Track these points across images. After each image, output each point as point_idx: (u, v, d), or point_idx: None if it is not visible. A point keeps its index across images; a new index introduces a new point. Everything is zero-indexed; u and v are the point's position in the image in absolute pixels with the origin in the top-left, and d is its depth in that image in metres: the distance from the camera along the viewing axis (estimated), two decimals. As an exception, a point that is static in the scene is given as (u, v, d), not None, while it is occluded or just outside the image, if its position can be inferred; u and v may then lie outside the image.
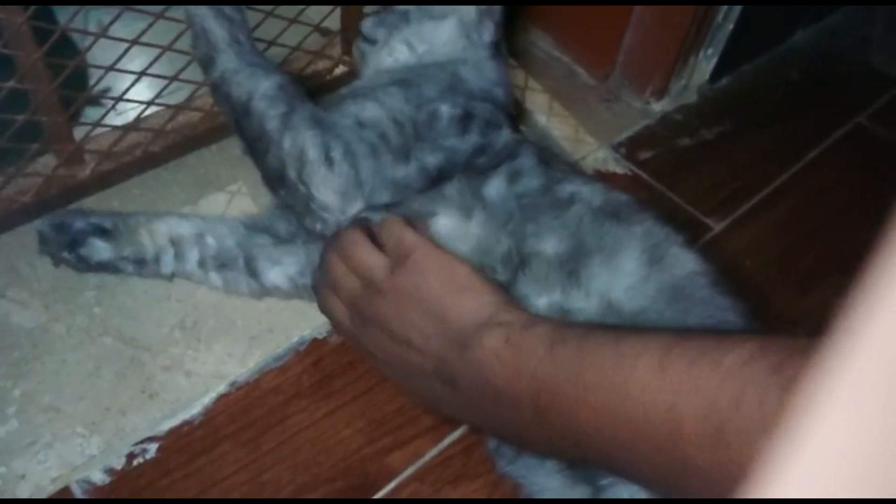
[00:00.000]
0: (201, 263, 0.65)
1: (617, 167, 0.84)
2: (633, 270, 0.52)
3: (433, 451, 0.60)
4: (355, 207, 0.57)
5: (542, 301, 0.52)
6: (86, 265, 0.64)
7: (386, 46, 0.71)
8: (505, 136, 0.63)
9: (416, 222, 0.53)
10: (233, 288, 0.65)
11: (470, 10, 0.70)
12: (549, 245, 0.53)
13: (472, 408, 0.49)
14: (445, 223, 0.54)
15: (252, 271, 0.64)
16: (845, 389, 0.13)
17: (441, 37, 0.70)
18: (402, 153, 0.58)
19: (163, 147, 0.73)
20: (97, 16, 0.80)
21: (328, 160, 0.57)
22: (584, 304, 0.51)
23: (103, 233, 0.63)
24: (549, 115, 0.89)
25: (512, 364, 0.44)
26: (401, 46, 0.71)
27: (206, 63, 0.62)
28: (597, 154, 0.85)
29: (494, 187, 0.56)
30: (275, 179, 0.59)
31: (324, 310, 0.58)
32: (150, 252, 0.64)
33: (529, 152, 0.60)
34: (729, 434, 0.35)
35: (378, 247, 0.53)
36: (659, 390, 0.37)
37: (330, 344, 0.65)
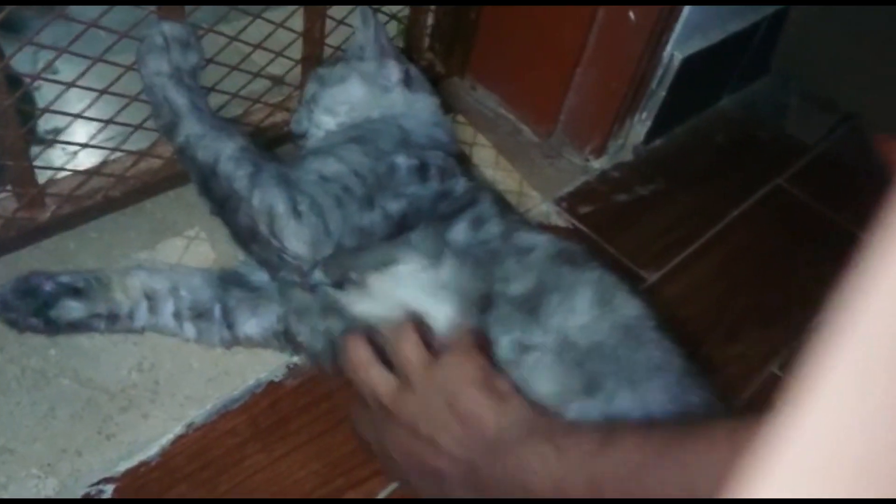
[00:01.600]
0: (176, 315, 0.65)
1: (559, 220, 0.90)
2: (586, 310, 0.56)
3: (386, 491, 0.62)
4: (325, 254, 0.60)
5: (505, 339, 0.56)
6: (54, 328, 0.63)
7: (312, 126, 0.75)
8: (462, 183, 0.67)
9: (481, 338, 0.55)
10: (205, 338, 0.66)
11: (367, 63, 0.75)
12: (515, 286, 0.57)
13: None
14: (410, 269, 0.57)
15: (229, 323, 0.65)
16: (831, 389, 0.14)
17: (354, 95, 0.74)
18: (366, 201, 0.62)
19: (123, 192, 0.75)
20: (46, 58, 0.82)
21: (296, 213, 0.60)
22: (543, 339, 0.55)
23: (76, 292, 0.63)
24: (495, 169, 0.94)
25: (561, 467, 0.44)
26: (325, 118, 0.74)
27: (170, 129, 0.64)
28: (540, 207, 0.91)
29: (459, 233, 0.61)
30: (247, 236, 0.62)
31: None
32: (124, 307, 0.64)
33: (488, 199, 0.65)
34: None
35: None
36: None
37: (286, 386, 0.67)
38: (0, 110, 0.60)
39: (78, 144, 0.68)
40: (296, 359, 0.68)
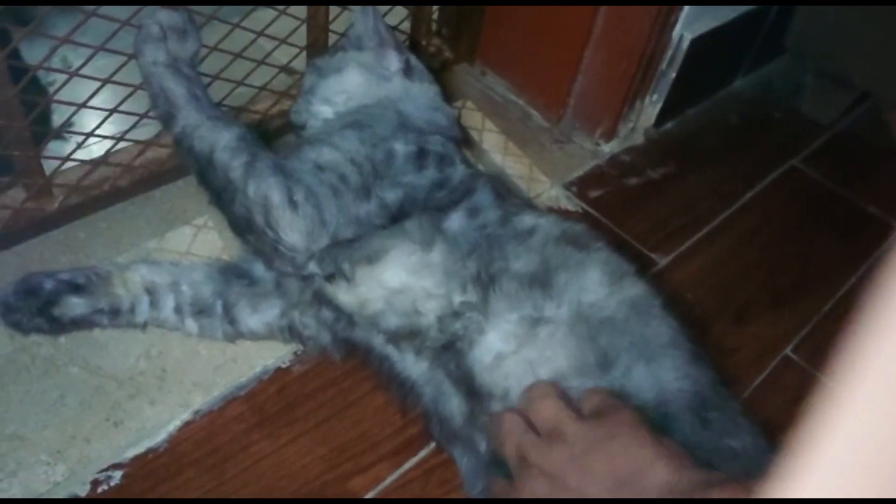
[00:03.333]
0: (177, 310, 0.65)
1: (569, 205, 0.89)
2: (596, 288, 0.56)
3: (393, 476, 0.62)
4: (321, 245, 0.60)
5: (513, 317, 0.55)
6: (58, 326, 0.63)
7: (311, 117, 0.74)
8: (461, 171, 0.66)
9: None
10: (208, 334, 0.66)
11: (365, 53, 0.74)
12: (518, 265, 0.57)
13: None
14: (402, 256, 0.57)
15: (230, 318, 0.65)
16: (853, 405, 0.13)
17: (351, 84, 0.73)
18: (363, 191, 0.61)
19: (130, 182, 0.75)
20: (61, 52, 0.82)
21: (292, 203, 0.59)
22: (556, 312, 0.55)
23: (77, 288, 0.63)
24: (504, 155, 0.93)
25: None
26: (323, 107, 0.73)
27: (167, 119, 0.63)
28: (550, 192, 0.90)
29: (455, 221, 0.60)
30: (243, 227, 0.61)
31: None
32: (125, 302, 0.64)
33: (486, 188, 0.64)
34: None
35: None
36: None
37: (293, 373, 0.67)
38: (4, 101, 0.60)
39: (82, 134, 0.68)
40: (297, 343, 0.68)
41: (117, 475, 0.58)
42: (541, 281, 0.57)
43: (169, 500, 0.58)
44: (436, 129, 0.69)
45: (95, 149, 0.75)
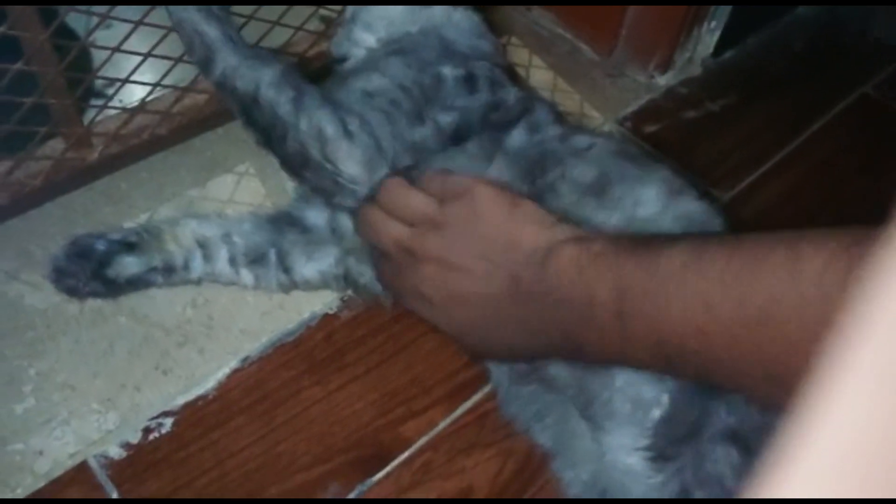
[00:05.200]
0: (231, 261, 0.64)
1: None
2: (653, 202, 0.54)
3: (446, 421, 0.60)
4: (381, 174, 0.58)
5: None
6: (114, 288, 0.62)
7: (353, 45, 0.71)
8: (514, 92, 0.64)
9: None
10: (263, 284, 0.64)
11: None
12: (575, 173, 0.55)
13: (540, 327, 0.49)
14: (466, 170, 0.56)
15: (285, 267, 0.64)
16: (849, 390, 0.13)
17: (393, 10, 0.70)
18: (416, 115, 0.59)
19: (169, 130, 0.74)
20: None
21: (347, 133, 0.57)
22: (606, 219, 0.53)
23: (129, 247, 0.62)
24: (553, 92, 0.89)
25: (593, 271, 0.45)
26: (365, 35, 0.70)
27: (206, 64, 0.61)
28: (603, 129, 0.85)
29: (516, 138, 0.58)
30: (298, 163, 0.59)
31: (376, 251, 0.58)
32: (178, 258, 0.63)
33: (544, 107, 0.63)
34: (787, 325, 0.36)
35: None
36: (756, 279, 0.38)
37: (341, 318, 0.65)
38: (36, 46, 0.59)
39: (117, 80, 0.66)
40: (350, 291, 0.66)
41: (168, 422, 0.58)
42: (596, 190, 0.54)
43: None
44: (481, 56, 0.66)
45: (130, 97, 0.73)
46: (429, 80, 0.61)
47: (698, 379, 0.46)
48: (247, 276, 0.65)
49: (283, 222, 0.66)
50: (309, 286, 0.66)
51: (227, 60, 0.60)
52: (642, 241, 0.45)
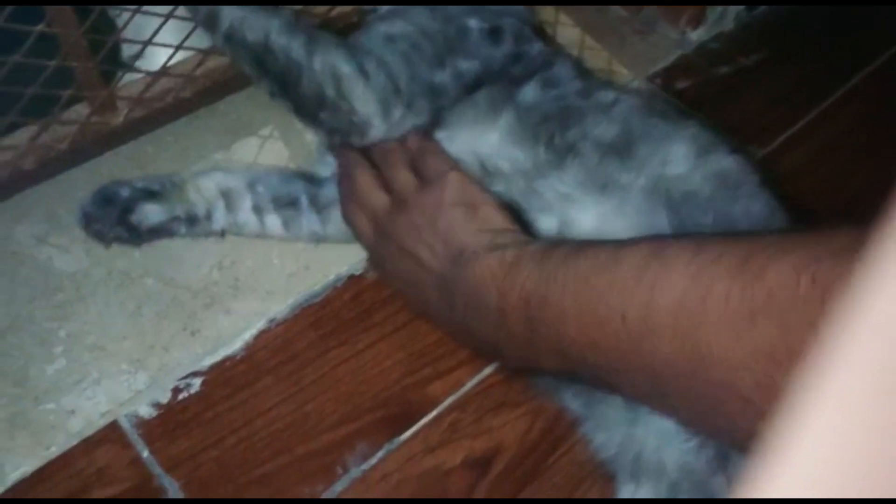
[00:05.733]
0: (256, 209, 0.64)
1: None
2: (681, 160, 0.52)
3: (474, 381, 0.59)
4: (397, 116, 0.57)
5: (591, 196, 0.52)
6: (137, 235, 0.63)
7: None
8: (538, 47, 0.63)
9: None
10: (292, 230, 0.64)
11: None
12: (597, 131, 0.53)
13: (468, 326, 0.51)
14: (466, 125, 0.55)
15: (318, 209, 0.64)
16: (835, 389, 0.13)
17: None
18: (436, 60, 0.58)
19: (193, 93, 0.73)
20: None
21: (363, 73, 0.57)
22: (632, 180, 0.53)
23: (152, 195, 0.62)
24: (580, 49, 0.86)
25: (505, 280, 0.46)
26: None
27: (211, 22, 0.60)
28: (632, 86, 0.83)
29: (528, 92, 0.57)
30: (313, 105, 0.58)
31: (348, 221, 0.60)
32: (201, 208, 0.63)
33: (567, 63, 0.61)
34: (698, 328, 0.35)
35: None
36: (635, 291, 0.39)
37: (368, 279, 0.65)
38: (56, 9, 0.58)
39: (139, 42, 0.66)
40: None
41: (196, 382, 0.58)
42: (620, 149, 0.53)
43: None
44: (509, 12, 0.64)
45: (154, 61, 0.73)
46: (453, 31, 0.60)
47: (602, 388, 0.48)
48: (273, 222, 0.64)
49: (309, 180, 0.66)
50: (338, 238, 0.65)
51: (233, 13, 0.59)
52: (557, 251, 0.45)
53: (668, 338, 0.37)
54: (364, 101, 0.57)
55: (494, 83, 0.58)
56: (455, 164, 0.55)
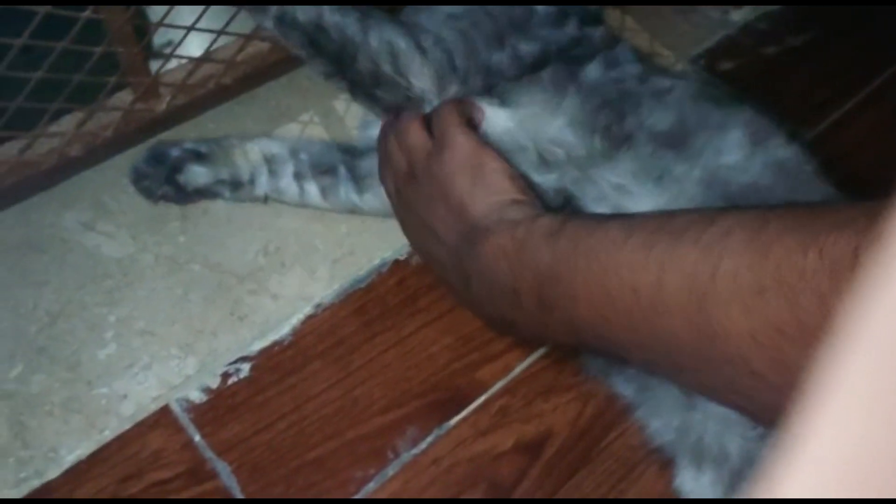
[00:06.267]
0: (297, 175, 0.65)
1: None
2: (737, 149, 0.51)
3: (523, 365, 0.59)
4: (452, 92, 0.57)
5: (646, 187, 0.51)
6: (183, 194, 0.64)
7: None
8: (601, 30, 0.62)
9: (474, 108, 0.55)
10: (330, 198, 0.65)
11: None
12: (652, 120, 0.52)
13: (483, 302, 0.51)
14: (533, 104, 0.54)
15: (355, 178, 0.64)
16: (847, 386, 0.13)
17: None
18: (496, 38, 0.58)
19: (234, 79, 0.73)
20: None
21: (420, 48, 0.57)
22: (688, 172, 0.51)
23: (199, 157, 0.64)
24: (621, 31, 0.85)
25: (516, 259, 0.46)
26: None
27: (257, 7, 0.60)
28: (675, 67, 0.82)
29: (592, 71, 0.57)
30: (370, 83, 0.58)
31: (382, 182, 0.60)
32: (245, 173, 0.64)
33: (627, 46, 0.61)
34: (708, 304, 0.35)
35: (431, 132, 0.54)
36: (645, 268, 0.38)
37: (412, 265, 0.64)
38: (104, -8, 0.59)
39: (182, 27, 0.66)
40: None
41: (246, 367, 0.58)
42: (674, 141, 0.52)
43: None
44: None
45: (195, 48, 0.73)
46: (519, 12, 0.59)
47: (618, 362, 0.48)
48: (312, 189, 0.65)
49: (349, 150, 0.67)
50: (375, 210, 0.65)
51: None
52: (567, 227, 0.44)
53: (680, 314, 0.37)
54: (421, 77, 0.57)
55: (558, 62, 0.57)
56: (462, 121, 0.54)
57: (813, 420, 0.13)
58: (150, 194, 0.65)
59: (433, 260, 0.56)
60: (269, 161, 0.65)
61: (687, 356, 0.38)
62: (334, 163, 0.65)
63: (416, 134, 0.55)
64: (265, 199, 0.65)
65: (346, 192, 0.64)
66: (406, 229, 0.59)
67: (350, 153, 0.66)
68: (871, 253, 0.30)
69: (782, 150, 0.53)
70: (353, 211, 0.65)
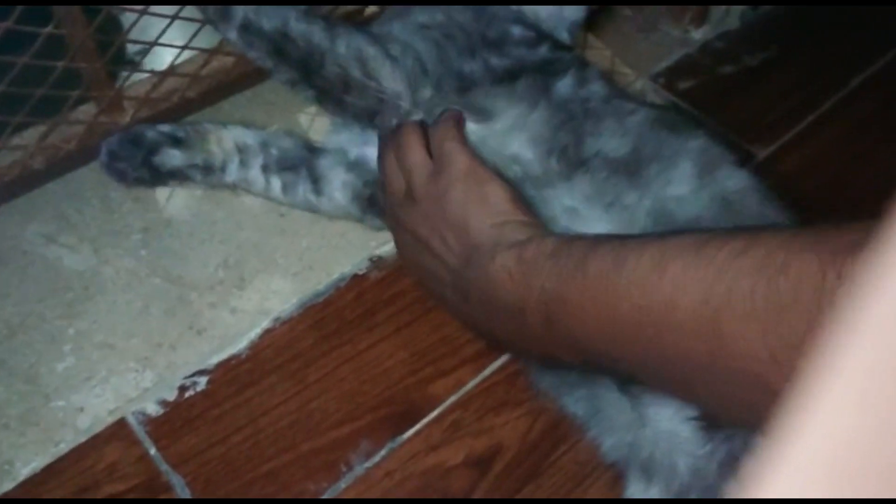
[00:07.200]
0: (265, 168, 0.66)
1: (656, 98, 0.82)
2: (685, 181, 0.52)
3: (476, 380, 0.60)
4: (426, 95, 0.58)
5: (596, 212, 0.53)
6: (158, 177, 0.65)
7: None
8: (572, 55, 0.65)
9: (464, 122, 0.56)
10: (290, 194, 0.66)
11: None
12: (610, 147, 0.54)
13: (483, 320, 0.51)
14: (510, 118, 0.56)
15: (314, 179, 0.66)
16: (842, 383, 0.13)
17: None
18: (468, 50, 0.59)
19: (198, 93, 0.74)
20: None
21: (390, 56, 0.58)
22: (638, 201, 0.53)
23: (176, 141, 0.65)
24: (583, 49, 0.87)
25: (522, 280, 0.46)
26: None
27: (223, 16, 0.60)
28: (635, 85, 0.83)
29: (563, 87, 0.58)
30: (339, 88, 0.59)
31: (380, 195, 0.62)
32: (218, 159, 0.66)
33: (595, 68, 0.63)
34: (724, 324, 0.35)
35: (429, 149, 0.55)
36: (658, 288, 0.38)
37: (371, 279, 0.65)
38: (65, 10, 0.59)
39: (145, 43, 0.66)
40: (379, 252, 0.66)
41: (203, 381, 0.59)
42: (629, 169, 0.53)
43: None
44: (553, 38, 0.66)
45: (159, 61, 0.74)
46: (494, 35, 0.61)
47: (623, 379, 0.48)
48: (276, 183, 0.66)
49: (312, 148, 0.68)
50: (332, 206, 0.66)
51: (245, 7, 0.60)
52: (573, 247, 0.45)
53: (693, 334, 0.37)
54: (392, 80, 0.58)
55: (532, 73, 0.58)
56: (461, 140, 0.54)
57: (802, 420, 0.13)
58: (122, 177, 0.65)
59: (428, 276, 0.55)
60: (241, 151, 0.66)
61: (699, 376, 0.38)
62: (298, 160, 0.66)
63: (415, 154, 0.55)
64: (233, 187, 0.67)
65: (304, 191, 0.66)
66: (401, 247, 0.59)
67: (314, 152, 0.67)
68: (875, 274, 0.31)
69: (731, 181, 0.54)
70: (311, 209, 0.67)
